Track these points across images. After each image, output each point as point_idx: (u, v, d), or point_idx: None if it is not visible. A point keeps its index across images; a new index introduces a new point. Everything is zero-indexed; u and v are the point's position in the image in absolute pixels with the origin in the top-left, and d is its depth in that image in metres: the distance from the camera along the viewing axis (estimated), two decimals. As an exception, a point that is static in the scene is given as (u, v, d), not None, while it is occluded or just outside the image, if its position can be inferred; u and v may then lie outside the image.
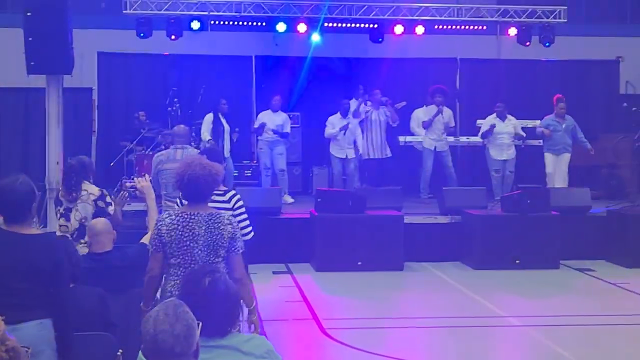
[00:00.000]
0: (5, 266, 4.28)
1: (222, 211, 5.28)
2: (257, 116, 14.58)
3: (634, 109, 13.60)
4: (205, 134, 13.13)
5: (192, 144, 11.19)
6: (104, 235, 5.77)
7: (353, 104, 14.17)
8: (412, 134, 14.55)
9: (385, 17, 15.15)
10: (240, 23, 15.43)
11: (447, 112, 14.18)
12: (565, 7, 15.36)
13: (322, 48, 15.36)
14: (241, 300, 5.17)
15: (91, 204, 6.97)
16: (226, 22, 15.46)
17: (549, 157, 13.49)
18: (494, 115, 13.92)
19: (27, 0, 10.36)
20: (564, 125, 13.37)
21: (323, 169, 15.34)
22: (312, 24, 14.90)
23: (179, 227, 4.90)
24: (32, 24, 10.34)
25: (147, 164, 13.48)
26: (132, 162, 13.85)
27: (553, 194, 12.16)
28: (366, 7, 15.05)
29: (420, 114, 14.50)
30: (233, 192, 6.29)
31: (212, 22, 15.41)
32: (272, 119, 13.99)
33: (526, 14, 15.36)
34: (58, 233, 6.88)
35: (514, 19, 15.42)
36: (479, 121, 14.43)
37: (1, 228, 4.39)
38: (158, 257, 4.95)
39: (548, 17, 15.36)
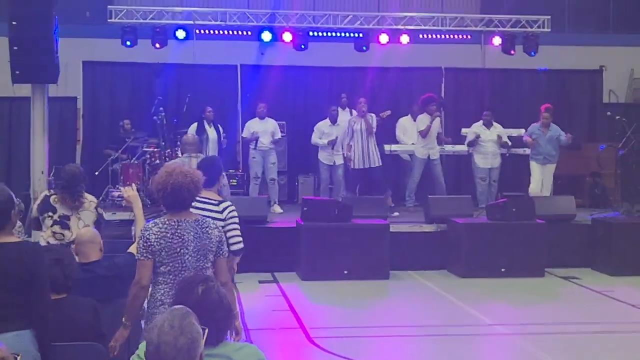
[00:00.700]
0: None
1: (209, 218, 5.29)
2: (244, 125, 14.57)
3: (617, 117, 13.68)
4: None
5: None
6: (88, 245, 5.75)
7: (340, 113, 14.21)
8: (397, 143, 14.60)
9: (370, 26, 15.23)
10: (226, 32, 15.47)
11: (438, 120, 14.14)
12: (549, 17, 15.49)
13: (307, 57, 15.38)
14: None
15: (93, 212, 6.97)
16: (211, 31, 15.49)
17: (533, 166, 13.57)
18: (480, 122, 13.99)
19: (12, 9, 10.35)
20: (547, 136, 13.43)
21: (309, 177, 15.36)
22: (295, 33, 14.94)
23: (168, 235, 4.91)
24: (17, 33, 10.34)
25: (132, 173, 13.48)
26: (117, 171, 13.81)
27: (538, 202, 12.22)
28: (351, 16, 15.12)
29: (405, 123, 14.57)
30: (227, 203, 6.26)
31: (198, 31, 15.43)
32: (263, 127, 13.98)
33: (510, 23, 15.47)
34: (52, 241, 6.81)
35: (498, 29, 15.53)
36: (463, 130, 14.50)
37: None
38: (148, 265, 4.93)
39: (532, 27, 15.48)
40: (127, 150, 14.01)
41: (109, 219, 12.31)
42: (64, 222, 6.93)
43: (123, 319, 5.02)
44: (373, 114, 13.41)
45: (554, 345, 8.27)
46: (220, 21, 15.00)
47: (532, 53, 15.63)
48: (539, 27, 15.48)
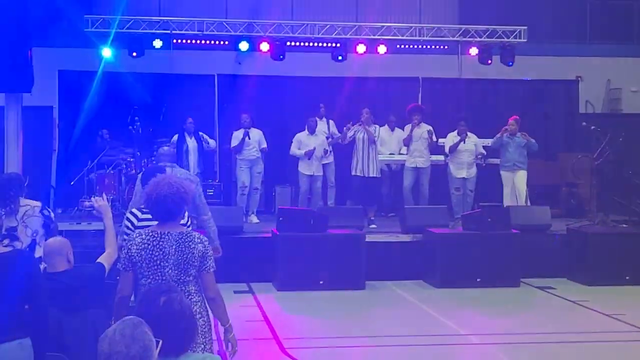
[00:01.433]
0: None
1: (194, 231, 5.24)
2: (219, 134, 14.53)
3: (592, 127, 13.75)
4: None
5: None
6: (55, 256, 5.67)
7: (320, 123, 14.19)
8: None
9: (348, 36, 15.25)
10: (203, 42, 15.43)
11: (425, 127, 14.14)
12: (526, 27, 15.57)
13: (285, 67, 15.37)
14: (214, 319, 5.18)
15: (38, 215, 6.87)
16: (188, 41, 15.45)
17: (503, 175, 13.68)
18: (455, 132, 14.04)
19: (-14, 18, 10.27)
20: (515, 142, 13.58)
21: (286, 187, 15.32)
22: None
23: (149, 247, 4.87)
24: (-9, 42, 10.26)
25: (108, 183, 13.42)
26: (93, 181, 13.73)
27: (513, 212, 12.26)
28: (329, 26, 15.13)
29: (382, 133, 14.56)
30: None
31: (175, 40, 15.39)
32: (252, 136, 13.93)
33: (487, 33, 15.53)
34: None
35: (475, 39, 15.59)
36: (440, 140, 14.53)
37: None
38: (128, 276, 4.90)
39: (508, 37, 15.55)
40: (103, 160, 13.93)
41: (83, 229, 12.35)
42: (12, 235, 6.84)
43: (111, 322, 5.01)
44: (377, 125, 13.44)
45: (529, 355, 8.29)
46: (198, 31, 14.97)
47: (510, 63, 15.70)
48: (515, 37, 15.56)
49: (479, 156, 14.17)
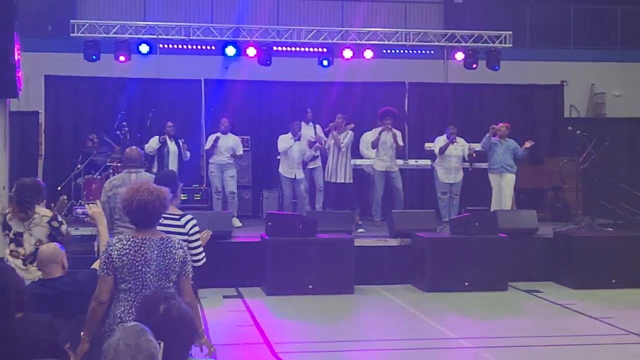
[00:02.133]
0: None
1: (173, 235, 5.25)
2: (206, 139, 14.53)
3: (578, 132, 13.84)
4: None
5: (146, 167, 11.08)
6: (48, 263, 5.67)
7: (304, 127, 14.20)
8: (362, 157, 14.65)
9: (334, 41, 15.30)
10: (190, 47, 15.44)
11: (395, 132, 14.20)
12: (511, 32, 15.67)
13: (272, 71, 15.40)
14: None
15: (45, 226, 6.86)
16: (175, 46, 15.45)
17: (491, 178, 13.75)
18: (444, 137, 14.10)
19: (-27, 23, 10.25)
20: (503, 146, 13.66)
21: (273, 192, 15.33)
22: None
23: (131, 252, 4.87)
24: (-22, 48, 10.23)
25: (95, 188, 13.36)
26: (80, 186, 13.69)
27: (500, 216, 12.31)
28: (315, 31, 15.17)
29: (369, 137, 14.61)
30: (189, 217, 6.21)
31: (161, 45, 15.38)
32: (224, 142, 13.95)
33: (472, 38, 15.62)
34: (9, 258, 6.74)
35: (461, 44, 15.66)
36: (427, 144, 14.58)
37: None
38: (108, 281, 4.90)
39: (494, 42, 15.64)
40: (90, 165, 13.88)
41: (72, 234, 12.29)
42: (17, 240, 6.85)
43: (81, 334, 4.98)
44: (351, 131, 13.48)
45: (518, 358, 8.33)
46: (184, 36, 14.97)
47: (495, 68, 15.79)
48: (500, 42, 15.65)
49: (469, 157, 14.22)
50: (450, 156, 13.99)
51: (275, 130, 14.97)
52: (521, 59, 16.96)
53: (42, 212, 6.97)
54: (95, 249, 8.42)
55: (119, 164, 13.55)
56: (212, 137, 14.04)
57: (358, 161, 14.57)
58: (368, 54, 15.41)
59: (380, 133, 13.79)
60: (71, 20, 14.87)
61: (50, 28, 16.56)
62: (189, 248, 5.66)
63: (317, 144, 14.13)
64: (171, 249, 4.94)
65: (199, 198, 14.51)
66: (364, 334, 9.36)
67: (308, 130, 14.31)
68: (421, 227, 12.28)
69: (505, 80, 16.72)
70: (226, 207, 13.82)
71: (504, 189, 13.66)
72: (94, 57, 14.70)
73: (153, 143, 13.48)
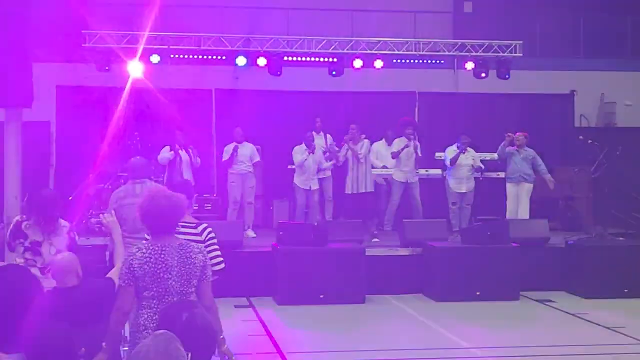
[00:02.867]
0: None
1: (192, 242, 5.27)
2: (217, 149, 14.55)
3: (589, 141, 13.82)
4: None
5: (152, 177, 11.10)
6: (64, 273, 5.68)
7: (315, 137, 14.21)
8: (372, 167, 14.63)
9: (345, 51, 15.29)
10: (200, 56, 15.44)
11: (416, 143, 14.21)
12: (521, 42, 15.64)
13: (282, 81, 15.41)
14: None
15: (65, 237, 6.89)
16: (186, 56, 15.46)
17: (508, 187, 13.73)
18: (455, 146, 14.09)
19: (-13, 33, 10.28)
20: (522, 155, 13.64)
21: (283, 202, 15.33)
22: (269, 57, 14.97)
23: (152, 260, 4.89)
24: (-8, 57, 10.26)
25: (105, 198, 13.38)
26: (91, 196, 13.71)
27: (512, 225, 12.30)
28: (325, 41, 15.17)
29: (379, 147, 14.62)
30: (205, 224, 6.24)
31: (172, 55, 15.40)
32: (242, 151, 13.94)
33: (482, 48, 15.60)
34: None
35: (471, 53, 15.64)
36: (437, 154, 14.58)
37: None
38: (130, 291, 4.93)
39: (504, 52, 15.61)
40: (101, 175, 13.92)
41: (82, 244, 12.32)
42: (35, 249, 6.85)
43: (103, 344, 4.98)
44: (366, 140, 13.48)
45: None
46: (195, 46, 15.00)
47: (508, 76, 15.75)
48: (510, 51, 15.63)
49: (477, 170, 14.22)
50: (461, 166, 13.98)
51: (285, 140, 14.98)
52: (531, 68, 16.92)
53: (62, 222, 7.01)
54: (107, 258, 8.44)
55: (129, 174, 13.58)
56: (229, 147, 14.02)
57: (374, 171, 14.51)
58: (378, 63, 15.41)
59: (406, 145, 13.76)
60: (83, 31, 14.91)
61: (62, 38, 16.59)
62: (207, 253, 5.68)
63: (327, 153, 14.14)
64: (191, 254, 4.97)
65: (210, 207, 14.52)
66: (375, 344, 9.34)
67: (319, 140, 14.34)
68: (432, 237, 12.28)
69: (516, 90, 16.70)
70: (241, 217, 13.81)
71: (521, 198, 13.61)
72: (106, 67, 14.74)
73: (166, 153, 13.50)
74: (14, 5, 10.24)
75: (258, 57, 15.07)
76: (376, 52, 15.37)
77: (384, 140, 14.89)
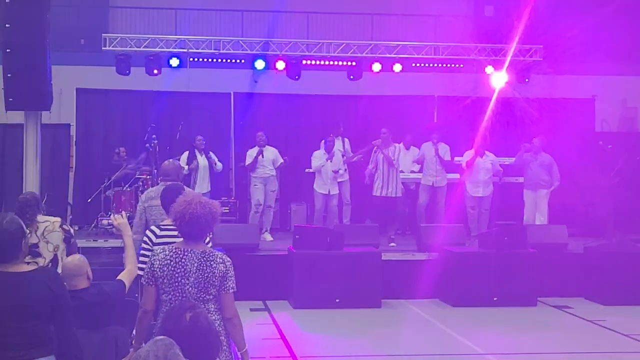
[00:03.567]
0: (4, 307, 4.25)
1: (216, 251, 5.25)
2: (235, 152, 14.57)
3: (609, 146, 13.72)
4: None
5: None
6: (74, 276, 5.70)
7: (336, 141, 14.19)
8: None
9: (364, 55, 15.30)
10: (219, 60, 15.50)
11: (442, 147, 14.21)
12: (541, 46, 15.56)
13: (301, 85, 15.43)
14: (231, 341, 5.19)
15: (59, 230, 6.94)
16: (205, 59, 15.53)
17: (526, 194, 13.69)
18: (472, 150, 14.05)
19: (7, 37, 10.38)
20: (538, 161, 13.58)
21: (301, 205, 15.34)
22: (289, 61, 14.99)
23: (172, 263, 4.91)
24: (11, 61, 10.37)
25: (124, 200, 13.48)
26: (110, 199, 13.79)
27: (530, 231, 12.22)
28: (344, 45, 15.18)
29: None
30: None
31: (191, 59, 15.47)
32: (266, 155, 13.94)
33: (503, 52, 15.53)
34: None
35: (491, 57, 15.58)
36: (456, 158, 14.53)
37: None
38: (151, 290, 4.97)
39: (524, 56, 15.54)
40: (120, 178, 13.99)
41: (99, 246, 12.41)
42: (33, 251, 6.90)
43: (133, 342, 5.09)
44: (397, 144, 13.45)
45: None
46: (214, 49, 15.05)
47: (527, 80, 15.68)
48: (531, 56, 15.55)
49: (496, 174, 14.17)
50: (479, 169, 13.92)
51: (303, 144, 14.99)
52: (552, 72, 16.84)
53: (51, 219, 7.03)
54: (124, 260, 8.46)
55: (148, 177, 13.65)
56: (252, 152, 14.02)
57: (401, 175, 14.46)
58: (397, 67, 15.40)
59: (436, 151, 13.78)
60: (103, 34, 15.01)
61: (82, 41, 16.72)
62: None
63: (345, 157, 14.12)
64: (212, 262, 4.95)
65: (227, 211, 14.54)
66: (391, 349, 9.31)
67: (337, 145, 14.30)
68: (449, 241, 12.22)
69: (536, 94, 16.61)
70: (263, 220, 13.83)
71: (539, 204, 13.57)
72: (126, 70, 14.83)
73: (182, 163, 13.53)
74: (32, 8, 10.32)
75: (277, 61, 15.11)
76: (395, 55, 15.36)
77: (402, 144, 14.82)
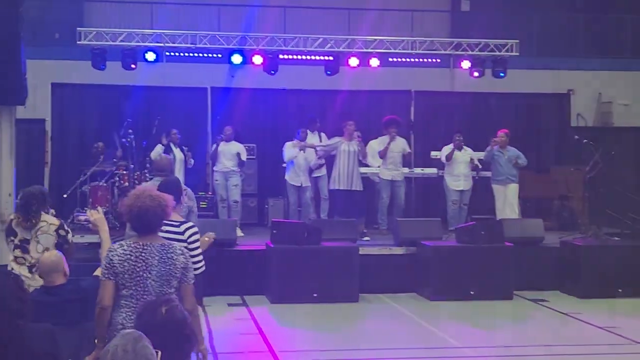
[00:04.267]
0: None
1: (175, 242, 5.25)
2: (211, 147, 14.54)
3: (585, 141, 13.81)
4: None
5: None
6: (51, 272, 5.66)
7: (310, 136, 14.18)
8: (367, 166, 14.61)
9: (340, 49, 15.27)
10: (196, 54, 15.42)
11: (400, 140, 14.20)
12: (517, 41, 15.61)
13: (278, 80, 15.39)
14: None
15: (53, 234, 6.88)
16: (181, 54, 15.45)
17: (495, 189, 13.74)
18: (451, 145, 14.09)
19: (-20, 30, 10.27)
20: (506, 156, 13.65)
21: (278, 200, 15.32)
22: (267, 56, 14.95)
23: (132, 258, 4.88)
24: (-16, 55, 10.25)
25: (101, 196, 13.39)
26: (86, 194, 13.70)
27: (506, 225, 12.28)
28: (321, 39, 15.15)
29: (374, 146, 14.58)
30: (189, 224, 6.18)
31: (168, 53, 15.39)
32: (227, 150, 13.94)
33: (479, 47, 15.57)
34: (13, 265, 6.74)
35: (467, 52, 15.62)
36: (433, 153, 14.57)
37: None
38: (109, 285, 4.90)
39: (500, 51, 15.59)
40: (97, 173, 13.90)
41: (76, 241, 12.30)
42: (24, 247, 6.85)
43: (95, 341, 5.01)
44: (358, 140, 13.43)
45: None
46: (191, 44, 14.97)
47: (503, 74, 15.71)
48: (507, 50, 15.60)
49: (474, 169, 14.22)
50: (457, 163, 13.97)
51: (281, 139, 14.96)
52: (528, 67, 16.91)
53: (50, 220, 6.98)
54: (100, 256, 8.43)
55: (124, 172, 13.58)
56: (213, 146, 14.06)
57: (363, 169, 14.53)
58: (374, 62, 15.38)
59: (389, 143, 13.79)
60: (78, 28, 14.89)
61: (57, 36, 16.57)
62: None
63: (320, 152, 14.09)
64: (172, 255, 4.95)
65: (205, 206, 14.49)
66: (368, 343, 9.33)
67: (312, 139, 14.30)
68: (427, 236, 12.26)
69: (512, 89, 16.69)
70: (231, 215, 13.79)
71: (508, 199, 13.63)
72: (102, 65, 14.73)
73: (157, 152, 13.46)
74: (5, 2, 10.23)
75: (254, 55, 15.05)
76: (372, 50, 15.35)
77: (379, 139, 14.84)
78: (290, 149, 13.89)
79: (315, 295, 11.20)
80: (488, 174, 14.29)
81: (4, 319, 4.25)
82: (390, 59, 15.87)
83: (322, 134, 14.50)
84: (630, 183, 15.20)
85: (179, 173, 13.50)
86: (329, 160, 14.13)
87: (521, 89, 16.87)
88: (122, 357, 2.83)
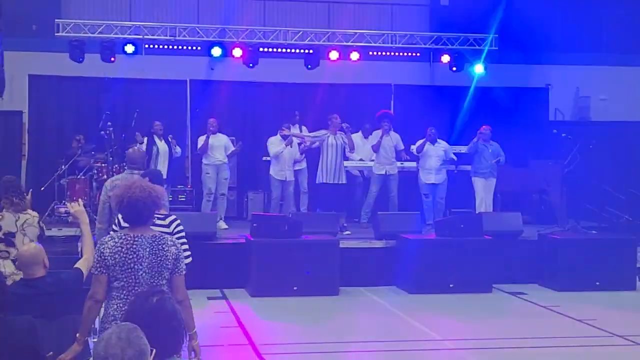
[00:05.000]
0: None
1: (165, 234, 5.24)
2: (192, 140, 14.48)
3: (563, 135, 13.89)
4: None
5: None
6: (31, 264, 5.62)
7: (293, 129, 14.17)
8: (347, 159, 14.63)
9: (321, 42, 15.28)
10: (175, 47, 15.38)
11: (394, 135, 14.22)
12: (497, 35, 15.68)
13: (257, 73, 15.37)
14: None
15: (37, 226, 6.86)
16: (161, 46, 15.40)
17: (477, 181, 13.78)
18: (424, 139, 14.14)
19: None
20: (490, 150, 13.71)
21: (258, 193, 15.30)
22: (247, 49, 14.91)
23: (123, 250, 4.86)
24: (-38, 46, 10.16)
25: (79, 189, 13.32)
26: (64, 187, 13.62)
27: (485, 218, 12.33)
28: (301, 32, 15.15)
29: (355, 139, 14.59)
30: (173, 216, 6.20)
31: (147, 45, 15.34)
32: (216, 142, 13.84)
33: (458, 41, 15.63)
34: None
35: (447, 46, 15.67)
36: (412, 146, 14.60)
37: None
38: (102, 279, 4.88)
39: (480, 45, 15.65)
40: (74, 166, 13.82)
41: (53, 234, 12.25)
42: (8, 240, 6.81)
43: (77, 335, 4.96)
44: (342, 132, 13.42)
45: (502, 360, 8.34)
46: (170, 36, 14.93)
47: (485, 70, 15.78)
48: (486, 45, 15.67)
49: (449, 162, 14.25)
50: (429, 156, 13.99)
51: (260, 132, 14.97)
52: (506, 62, 16.99)
53: (32, 213, 6.96)
54: (79, 249, 8.39)
55: (103, 165, 13.51)
56: (202, 138, 13.93)
57: (344, 162, 14.54)
58: (354, 55, 15.41)
59: (381, 137, 13.80)
60: (56, 20, 14.79)
61: (34, 27, 16.44)
62: None
63: (302, 145, 14.08)
64: (163, 246, 4.94)
65: (184, 199, 14.46)
66: (348, 336, 9.34)
67: (294, 132, 14.28)
68: (406, 229, 12.29)
69: (491, 83, 16.75)
70: (215, 209, 13.74)
71: (487, 193, 13.70)
72: (80, 57, 14.64)
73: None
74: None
75: (233, 48, 15.03)
76: (352, 44, 15.37)
77: (360, 132, 14.88)
78: (275, 144, 13.85)
79: (295, 288, 11.20)
80: (467, 167, 14.34)
81: None
82: (371, 53, 15.91)
83: (304, 127, 14.49)
84: (608, 177, 15.30)
85: (163, 165, 13.46)
86: (310, 154, 14.12)
87: (500, 83, 16.93)
88: (115, 344, 2.85)
